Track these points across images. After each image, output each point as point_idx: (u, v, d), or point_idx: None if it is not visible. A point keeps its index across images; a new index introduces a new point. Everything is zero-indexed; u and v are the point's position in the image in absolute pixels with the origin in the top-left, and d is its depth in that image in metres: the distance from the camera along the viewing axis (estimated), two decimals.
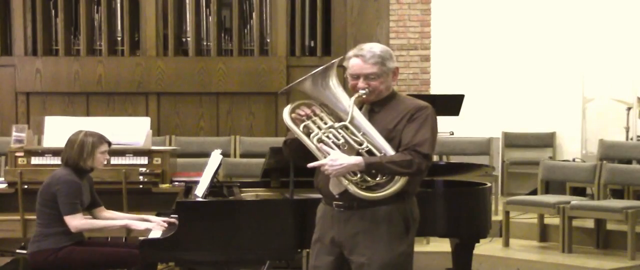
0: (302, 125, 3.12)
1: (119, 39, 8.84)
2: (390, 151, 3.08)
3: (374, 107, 3.22)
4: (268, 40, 8.87)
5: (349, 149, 3.08)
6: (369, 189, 3.08)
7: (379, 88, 3.18)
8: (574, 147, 8.59)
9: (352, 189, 3.06)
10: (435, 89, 8.79)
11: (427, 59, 8.94)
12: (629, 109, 7.94)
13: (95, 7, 8.84)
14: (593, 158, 7.72)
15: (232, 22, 8.88)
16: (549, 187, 7.22)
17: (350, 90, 3.18)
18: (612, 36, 8.40)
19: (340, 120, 3.11)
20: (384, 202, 3.12)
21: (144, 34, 8.79)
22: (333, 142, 3.07)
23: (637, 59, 8.33)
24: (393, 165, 3.05)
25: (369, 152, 3.07)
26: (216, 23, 8.80)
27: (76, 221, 4.31)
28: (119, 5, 8.80)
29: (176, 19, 8.83)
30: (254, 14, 8.81)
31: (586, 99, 8.54)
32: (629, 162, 7.34)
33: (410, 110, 3.18)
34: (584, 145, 8.53)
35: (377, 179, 3.08)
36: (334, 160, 3.02)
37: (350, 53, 3.23)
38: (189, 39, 8.84)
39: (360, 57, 3.17)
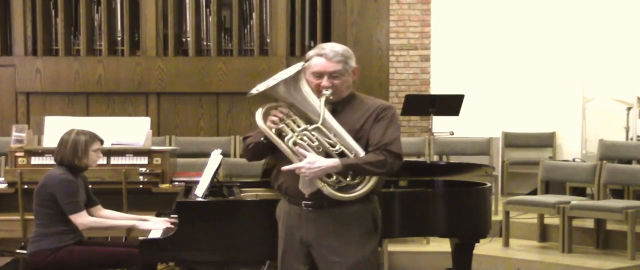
0: (274, 129, 3.13)
1: (119, 39, 8.84)
2: (361, 152, 3.14)
3: (336, 106, 3.25)
4: (268, 40, 8.87)
5: (322, 151, 3.12)
6: (341, 189, 3.14)
7: (341, 87, 3.22)
8: (574, 147, 8.59)
9: (327, 190, 3.11)
10: (435, 89, 8.79)
11: (427, 59, 8.94)
12: (629, 109, 7.94)
13: (95, 7, 8.84)
14: (593, 158, 7.71)
15: (232, 22, 8.88)
16: (549, 187, 7.22)
17: (313, 89, 3.20)
18: (612, 36, 8.40)
19: (309, 121, 3.14)
20: (353, 201, 3.17)
21: (144, 34, 8.79)
22: (308, 144, 3.11)
23: (637, 59, 8.34)
24: (369, 166, 3.12)
25: (342, 153, 3.12)
26: (216, 23, 8.80)
27: (82, 219, 4.33)
28: (119, 5, 8.80)
29: (176, 19, 8.83)
30: (254, 14, 8.81)
31: (586, 99, 8.54)
32: (629, 162, 7.34)
33: (375, 110, 3.23)
34: (584, 145, 8.53)
35: (348, 179, 3.14)
36: (311, 162, 3.06)
37: (312, 52, 3.26)
38: (189, 39, 8.84)
39: (324, 56, 3.20)
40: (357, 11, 8.87)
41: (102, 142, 4.53)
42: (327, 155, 3.12)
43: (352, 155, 3.13)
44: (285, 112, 3.14)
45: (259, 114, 3.14)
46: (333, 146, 3.12)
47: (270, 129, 3.12)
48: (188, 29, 8.85)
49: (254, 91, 3.11)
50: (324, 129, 3.12)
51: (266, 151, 3.30)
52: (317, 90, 3.19)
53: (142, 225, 4.44)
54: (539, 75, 8.65)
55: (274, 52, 8.82)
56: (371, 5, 8.90)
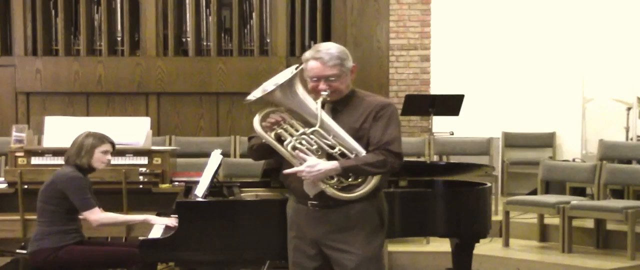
0: (273, 133, 3.17)
1: (119, 39, 8.84)
2: (362, 151, 3.18)
3: (336, 106, 3.29)
4: (268, 40, 8.87)
5: (322, 153, 3.15)
6: (344, 189, 3.18)
7: (340, 88, 3.25)
8: (574, 147, 8.60)
9: (330, 191, 3.16)
10: (435, 89, 8.79)
11: (427, 59, 8.94)
12: (629, 109, 7.94)
13: (95, 7, 8.84)
14: (593, 158, 7.71)
15: (232, 22, 8.88)
16: (549, 187, 7.22)
17: (311, 91, 3.23)
18: (612, 36, 8.40)
19: (307, 123, 3.17)
20: (359, 199, 3.21)
21: (144, 34, 8.79)
22: (307, 148, 3.14)
23: (637, 59, 8.34)
24: (369, 167, 3.15)
25: (342, 155, 3.16)
26: (216, 23, 8.80)
27: (96, 215, 4.36)
28: (119, 5, 8.80)
29: (176, 19, 8.83)
30: (254, 14, 8.81)
31: (586, 99, 8.55)
32: (629, 162, 7.34)
33: (374, 108, 3.25)
34: (584, 145, 8.53)
35: (350, 179, 3.17)
36: (311, 166, 3.10)
37: (308, 55, 3.27)
38: (189, 39, 8.84)
39: (319, 60, 3.21)
40: (357, 11, 8.87)
41: (113, 144, 4.54)
42: (329, 156, 3.14)
43: (352, 156, 3.16)
44: (283, 116, 3.17)
45: (256, 120, 3.18)
46: (332, 148, 3.15)
47: (268, 133, 3.17)
48: (188, 29, 8.85)
49: (250, 97, 3.16)
50: (322, 131, 3.15)
51: (270, 151, 3.29)
52: (315, 92, 3.22)
53: (155, 219, 4.46)
54: (539, 75, 8.65)
55: (274, 52, 8.82)
56: (371, 5, 8.90)
